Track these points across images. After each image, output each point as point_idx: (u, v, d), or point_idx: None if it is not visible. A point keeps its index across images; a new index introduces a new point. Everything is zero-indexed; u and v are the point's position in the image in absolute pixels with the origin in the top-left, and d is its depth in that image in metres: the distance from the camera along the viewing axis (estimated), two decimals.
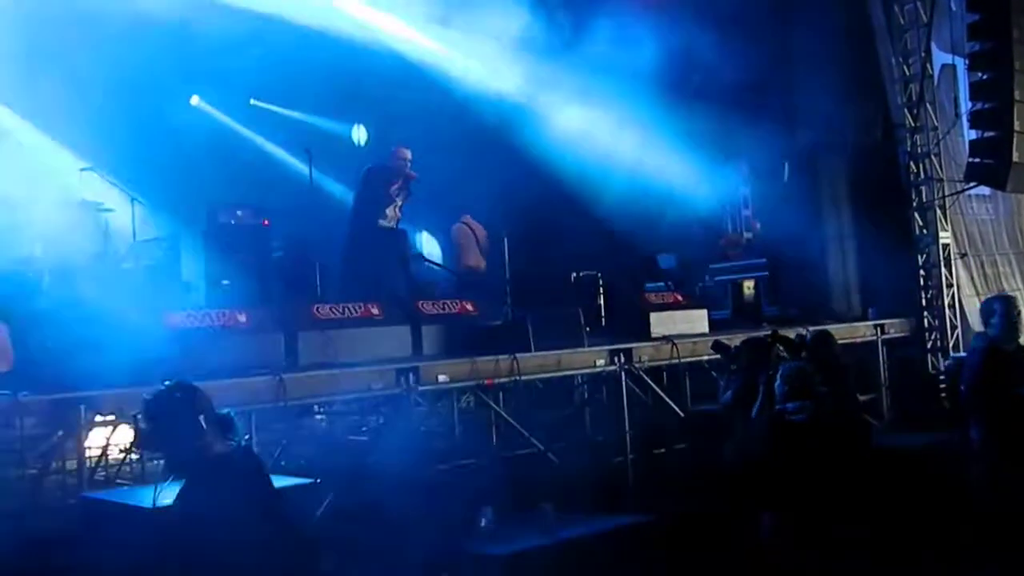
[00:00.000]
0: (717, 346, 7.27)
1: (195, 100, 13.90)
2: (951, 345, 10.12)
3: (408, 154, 9.35)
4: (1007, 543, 4.86)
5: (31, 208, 8.93)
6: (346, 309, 6.97)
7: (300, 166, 12.34)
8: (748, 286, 10.43)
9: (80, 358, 5.20)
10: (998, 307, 5.11)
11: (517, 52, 12.41)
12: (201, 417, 3.39)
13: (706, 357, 8.13)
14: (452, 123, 12.66)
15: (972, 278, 10.60)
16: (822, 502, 4.78)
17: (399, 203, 9.28)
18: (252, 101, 13.96)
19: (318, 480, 5.43)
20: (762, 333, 7.82)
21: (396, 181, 9.22)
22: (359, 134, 12.84)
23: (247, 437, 3.76)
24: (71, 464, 6.17)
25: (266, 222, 11.12)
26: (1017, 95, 9.17)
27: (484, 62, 12.44)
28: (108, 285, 9.09)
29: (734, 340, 7.22)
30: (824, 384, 5.66)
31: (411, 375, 6.36)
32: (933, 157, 10.26)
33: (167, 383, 3.50)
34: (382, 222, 9.19)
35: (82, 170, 10.04)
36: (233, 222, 10.71)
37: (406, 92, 12.89)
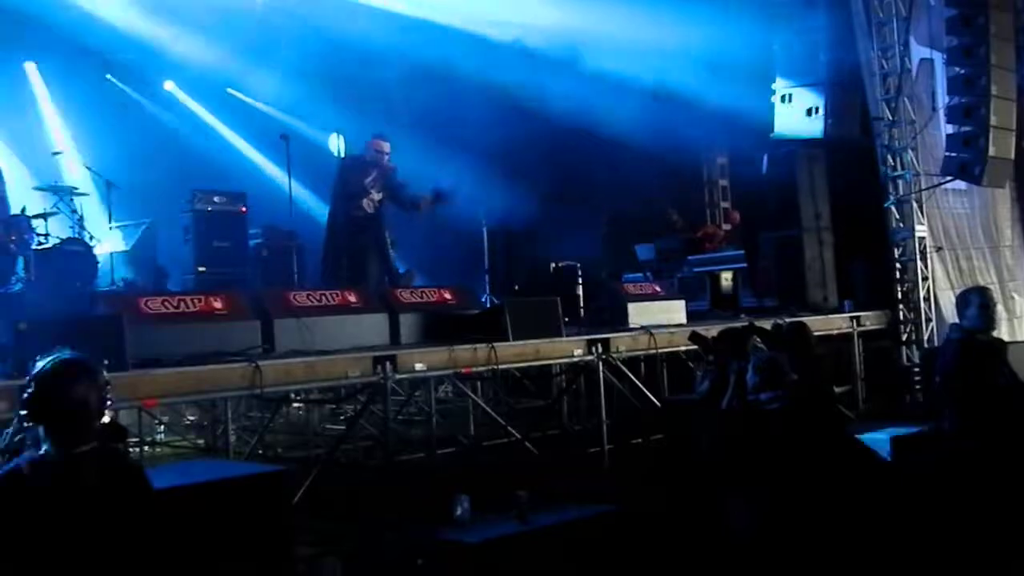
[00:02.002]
0: (695, 337, 7.27)
1: (169, 86, 13.85)
2: (926, 338, 10.20)
3: (385, 146, 9.19)
4: (981, 532, 4.91)
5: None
6: (323, 296, 6.94)
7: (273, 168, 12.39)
8: (726, 277, 10.48)
9: (54, 342, 5.14)
10: (974, 298, 5.15)
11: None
12: (84, 400, 2.96)
13: (683, 348, 8.16)
14: (430, 110, 12.67)
15: (947, 272, 10.68)
16: (795, 492, 4.80)
17: (375, 196, 9.17)
18: (229, 91, 13.93)
19: (290, 468, 5.40)
20: (739, 324, 7.86)
21: (371, 173, 9.10)
22: (337, 144, 12.79)
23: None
24: None
25: (243, 209, 11.10)
26: (994, 90, 9.25)
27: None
28: (83, 269, 9.08)
29: (711, 331, 7.24)
30: (798, 375, 5.69)
31: (388, 363, 6.33)
32: (910, 151, 10.32)
33: (58, 354, 3.07)
34: (357, 212, 9.12)
35: (54, 154, 9.96)
36: (210, 209, 10.68)
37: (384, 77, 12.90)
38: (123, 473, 3.08)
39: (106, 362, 3.20)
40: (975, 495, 5.00)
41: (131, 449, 8.29)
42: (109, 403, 3.08)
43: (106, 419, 3.07)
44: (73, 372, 3.01)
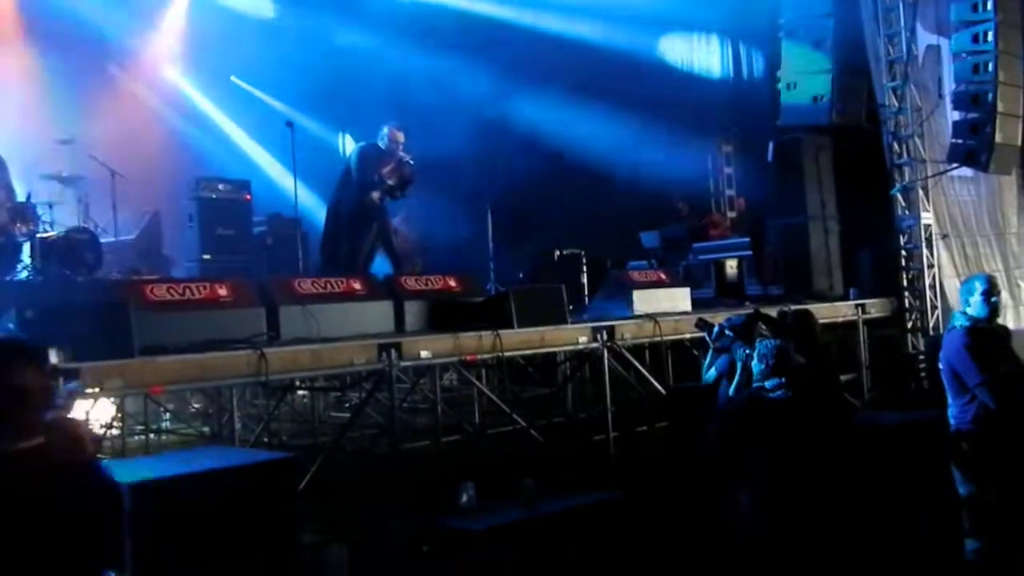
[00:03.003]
0: (701, 323, 7.27)
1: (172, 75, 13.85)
2: (931, 326, 10.17)
3: (401, 136, 9.17)
4: (987, 519, 4.91)
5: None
6: (328, 284, 6.93)
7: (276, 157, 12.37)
8: (731, 265, 10.44)
9: (60, 330, 5.15)
10: (978, 286, 5.14)
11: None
12: (22, 387, 2.51)
13: (688, 335, 8.14)
14: (439, 101, 12.66)
15: (953, 259, 10.63)
16: (801, 479, 4.80)
17: (389, 183, 9.15)
18: (232, 79, 13.95)
19: (295, 456, 5.40)
20: (745, 312, 7.85)
21: (388, 164, 9.08)
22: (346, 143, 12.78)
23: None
24: None
25: (248, 197, 11.12)
26: (1001, 76, 9.19)
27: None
28: (88, 257, 9.09)
29: (717, 318, 7.24)
30: (803, 363, 5.68)
31: (393, 351, 6.33)
32: (916, 138, 10.27)
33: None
34: (367, 201, 9.10)
35: (60, 142, 9.96)
36: (215, 196, 10.71)
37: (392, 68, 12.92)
38: (74, 474, 2.58)
39: (55, 348, 2.86)
40: (980, 482, 5.00)
41: (137, 437, 8.33)
42: (65, 389, 2.68)
43: (60, 413, 2.66)
44: (8, 355, 2.55)
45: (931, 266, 10.29)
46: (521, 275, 10.98)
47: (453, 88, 12.58)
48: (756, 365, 5.19)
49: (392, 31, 12.95)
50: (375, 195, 9.11)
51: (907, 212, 10.35)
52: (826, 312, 9.08)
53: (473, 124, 12.64)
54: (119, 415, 7.86)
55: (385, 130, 9.20)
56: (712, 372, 6.51)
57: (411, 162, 9.14)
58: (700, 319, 7.27)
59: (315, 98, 13.36)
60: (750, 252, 10.73)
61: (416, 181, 9.33)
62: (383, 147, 9.13)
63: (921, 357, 9.97)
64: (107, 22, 12.27)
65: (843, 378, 8.40)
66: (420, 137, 10.32)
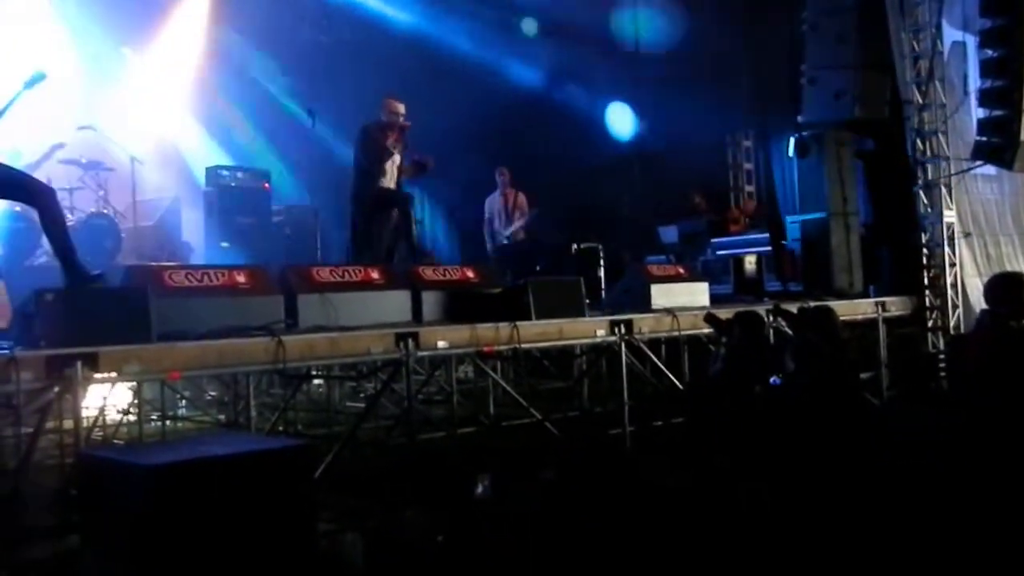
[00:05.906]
0: (710, 318, 7.25)
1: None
2: (952, 325, 10.09)
3: (400, 107, 9.05)
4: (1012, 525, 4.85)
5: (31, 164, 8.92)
6: (346, 273, 6.91)
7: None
8: (750, 261, 10.38)
9: (78, 315, 5.16)
10: (1005, 284, 5.09)
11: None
12: None
13: (706, 330, 8.10)
14: (452, 89, 12.64)
15: (975, 258, 10.55)
16: (819, 478, 4.77)
17: (397, 157, 9.07)
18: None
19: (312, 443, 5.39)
20: (761, 307, 7.81)
21: (392, 134, 8.99)
22: None
23: None
24: (68, 424, 6.13)
25: (267, 186, 11.14)
26: None
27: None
28: (108, 243, 9.13)
29: (725, 313, 7.22)
30: (824, 356, 5.65)
31: (411, 340, 6.31)
32: (940, 135, 10.18)
33: None
34: (383, 182, 9.04)
35: (80, 128, 9.99)
36: (234, 185, 10.72)
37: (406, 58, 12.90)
38: None
39: None
40: (1008, 479, 4.95)
41: (153, 423, 8.36)
42: None
43: None
44: None
45: (953, 265, 10.21)
46: (538, 268, 10.95)
47: (466, 79, 12.61)
48: (787, 363, 5.16)
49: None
50: (389, 173, 9.02)
51: (929, 209, 10.27)
52: (846, 309, 9.01)
53: (486, 114, 12.62)
54: (136, 401, 7.88)
55: (382, 102, 9.09)
56: (719, 366, 6.50)
57: (410, 127, 9.04)
58: (709, 314, 7.26)
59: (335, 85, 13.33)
60: (769, 248, 10.66)
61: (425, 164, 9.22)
62: (384, 119, 9.04)
63: (941, 356, 9.89)
64: (128, 6, 12.29)
65: (862, 376, 8.34)
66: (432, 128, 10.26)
